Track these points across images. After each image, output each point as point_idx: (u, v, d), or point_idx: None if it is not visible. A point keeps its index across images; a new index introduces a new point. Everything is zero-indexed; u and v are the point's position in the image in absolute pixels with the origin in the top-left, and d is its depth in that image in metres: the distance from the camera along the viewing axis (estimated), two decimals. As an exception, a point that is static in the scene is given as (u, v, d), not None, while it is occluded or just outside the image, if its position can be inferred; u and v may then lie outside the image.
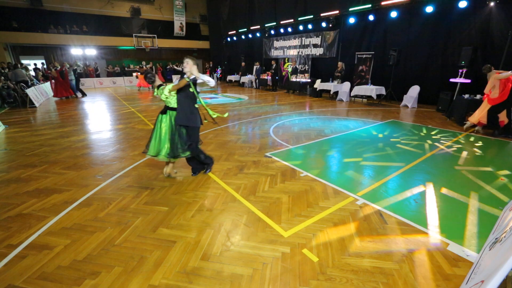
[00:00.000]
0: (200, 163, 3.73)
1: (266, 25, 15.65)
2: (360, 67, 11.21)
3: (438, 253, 2.16)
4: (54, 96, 12.05)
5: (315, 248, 2.24)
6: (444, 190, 3.23)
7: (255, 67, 15.59)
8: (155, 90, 3.33)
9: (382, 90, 9.82)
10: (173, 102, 3.24)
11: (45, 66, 15.80)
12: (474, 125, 5.96)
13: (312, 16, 12.74)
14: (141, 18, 20.45)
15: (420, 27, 9.23)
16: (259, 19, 16.28)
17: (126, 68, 19.88)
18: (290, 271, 2.00)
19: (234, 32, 18.89)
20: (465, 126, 6.07)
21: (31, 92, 9.83)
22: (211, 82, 3.24)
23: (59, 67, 12.10)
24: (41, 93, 11.37)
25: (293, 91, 13.72)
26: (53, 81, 12.03)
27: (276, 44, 15.63)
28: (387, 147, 4.91)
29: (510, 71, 5.39)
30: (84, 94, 12.90)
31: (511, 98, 5.40)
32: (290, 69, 14.47)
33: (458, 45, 8.20)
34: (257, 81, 15.61)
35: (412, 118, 7.51)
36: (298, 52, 14.13)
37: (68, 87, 12.20)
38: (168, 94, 3.17)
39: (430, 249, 2.21)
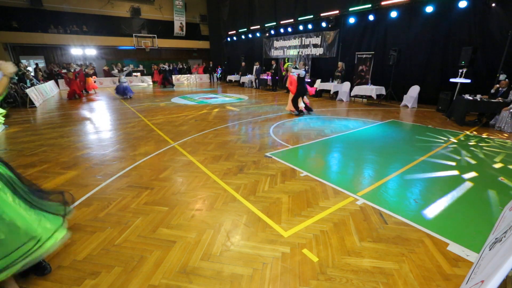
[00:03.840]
0: None
1: (266, 25, 15.64)
2: (360, 67, 11.21)
3: (438, 253, 2.16)
4: (68, 97, 12.13)
5: (315, 248, 2.24)
6: (443, 190, 3.23)
7: (255, 67, 15.58)
8: None
9: (382, 90, 9.82)
10: None
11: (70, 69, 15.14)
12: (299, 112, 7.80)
13: (312, 16, 12.73)
14: (141, 18, 20.44)
15: (420, 27, 9.23)
16: (259, 19, 16.28)
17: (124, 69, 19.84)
18: (290, 271, 2.00)
19: (234, 32, 18.89)
20: (287, 109, 8.13)
21: (31, 92, 9.82)
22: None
23: (77, 69, 12.53)
24: (41, 93, 11.36)
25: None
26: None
27: (276, 44, 15.63)
28: (387, 147, 4.91)
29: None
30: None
31: (300, 90, 7.51)
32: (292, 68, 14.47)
33: (458, 45, 8.20)
34: (257, 81, 15.61)
35: (412, 118, 7.51)
36: (298, 52, 14.12)
37: (81, 86, 12.53)
38: None
39: (430, 249, 2.21)
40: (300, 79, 7.45)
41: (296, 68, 7.88)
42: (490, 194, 3.13)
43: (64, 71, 13.56)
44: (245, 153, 4.58)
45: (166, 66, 18.69)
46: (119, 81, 12.07)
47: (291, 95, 7.78)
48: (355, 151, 4.67)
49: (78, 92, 12.29)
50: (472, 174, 3.70)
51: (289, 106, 7.93)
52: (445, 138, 5.42)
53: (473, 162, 4.15)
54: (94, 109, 9.49)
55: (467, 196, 3.10)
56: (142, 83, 19.15)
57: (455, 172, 3.75)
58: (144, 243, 2.32)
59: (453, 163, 4.08)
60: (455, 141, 5.26)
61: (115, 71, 12.23)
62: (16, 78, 10.61)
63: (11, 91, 9.87)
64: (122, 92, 12.01)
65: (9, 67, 2.18)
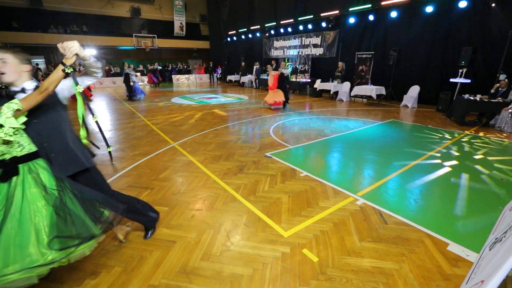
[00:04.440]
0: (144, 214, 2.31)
1: (266, 25, 15.64)
2: (360, 67, 11.21)
3: (438, 253, 2.16)
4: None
5: (315, 248, 2.24)
6: (443, 190, 3.23)
7: (255, 67, 15.58)
8: None
9: (382, 90, 9.82)
10: (24, 141, 1.53)
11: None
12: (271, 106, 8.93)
13: (312, 16, 12.74)
14: (141, 18, 20.45)
15: (420, 27, 9.23)
16: (259, 19, 16.28)
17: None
18: (290, 271, 2.00)
19: (234, 32, 18.89)
20: (264, 105, 9.29)
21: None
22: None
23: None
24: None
25: (293, 91, 13.72)
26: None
27: (276, 44, 15.63)
28: (387, 147, 4.91)
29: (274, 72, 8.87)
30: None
31: (280, 87, 8.73)
32: (290, 69, 14.47)
33: (458, 45, 8.20)
34: (257, 81, 15.61)
35: (412, 118, 7.51)
36: (298, 52, 14.12)
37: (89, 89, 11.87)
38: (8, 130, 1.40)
39: (430, 249, 2.21)
40: (282, 77, 8.59)
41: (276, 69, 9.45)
42: (490, 194, 3.13)
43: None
44: (245, 153, 4.58)
45: (158, 66, 18.65)
46: (132, 81, 11.04)
47: (271, 92, 8.90)
48: (355, 151, 4.67)
49: (89, 94, 11.74)
50: (472, 174, 3.70)
51: (270, 99, 8.88)
52: (445, 138, 5.42)
53: (473, 162, 4.15)
54: (93, 109, 9.49)
55: (467, 196, 3.10)
56: (142, 83, 19.15)
57: (455, 172, 3.75)
58: (144, 243, 2.32)
59: (453, 163, 4.08)
60: (455, 141, 5.26)
61: (129, 70, 11.14)
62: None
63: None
64: (140, 92, 11.26)
65: (68, 48, 1.49)
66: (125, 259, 2.12)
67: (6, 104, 1.40)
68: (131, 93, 11.23)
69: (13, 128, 1.42)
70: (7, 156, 1.48)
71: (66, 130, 1.76)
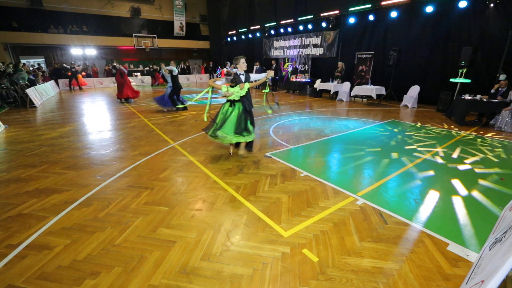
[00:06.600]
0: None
1: (266, 25, 15.65)
2: (360, 67, 11.22)
3: (438, 253, 2.16)
4: (119, 97, 10.62)
5: (315, 248, 2.24)
6: (444, 190, 3.23)
7: (255, 67, 15.57)
8: (225, 87, 4.06)
9: (382, 90, 9.82)
10: (237, 96, 4.08)
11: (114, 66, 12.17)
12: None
13: (312, 16, 12.74)
14: (141, 18, 20.45)
15: (420, 27, 9.24)
16: (259, 19, 16.28)
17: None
18: (290, 271, 2.00)
19: (234, 32, 18.90)
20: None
21: (31, 92, 9.83)
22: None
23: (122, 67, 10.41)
24: (41, 93, 11.37)
25: (293, 91, 13.72)
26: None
27: (276, 44, 15.63)
28: (387, 147, 4.91)
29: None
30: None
31: None
32: (290, 69, 14.48)
33: (458, 45, 8.20)
34: (257, 81, 15.61)
35: (412, 118, 7.51)
36: (298, 52, 14.12)
37: (131, 89, 10.65)
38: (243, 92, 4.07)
39: (430, 249, 2.21)
40: None
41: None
42: (491, 194, 3.13)
43: (121, 67, 10.39)
44: (245, 153, 4.58)
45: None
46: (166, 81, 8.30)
47: None
48: (355, 151, 4.67)
49: (133, 95, 10.77)
50: (473, 174, 3.70)
51: None
52: (445, 139, 5.42)
53: (473, 162, 4.15)
54: (94, 109, 9.49)
55: (467, 196, 3.10)
56: (142, 83, 19.19)
57: (455, 172, 3.75)
58: (144, 243, 2.32)
59: (453, 163, 4.08)
60: (455, 141, 5.26)
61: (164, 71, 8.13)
62: (27, 82, 10.53)
63: (11, 91, 9.86)
64: (179, 98, 8.47)
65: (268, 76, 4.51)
66: (125, 259, 2.12)
67: (246, 84, 4.05)
68: (168, 101, 8.40)
69: (244, 91, 4.09)
70: (235, 98, 4.08)
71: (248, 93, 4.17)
